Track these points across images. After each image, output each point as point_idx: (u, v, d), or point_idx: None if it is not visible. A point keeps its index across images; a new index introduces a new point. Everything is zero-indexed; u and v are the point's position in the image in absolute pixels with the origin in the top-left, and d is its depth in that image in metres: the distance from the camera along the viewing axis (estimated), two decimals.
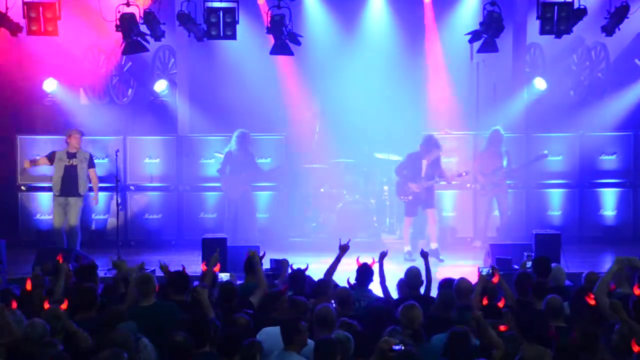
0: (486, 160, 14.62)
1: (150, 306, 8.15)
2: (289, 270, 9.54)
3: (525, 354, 6.65)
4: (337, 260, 9.45)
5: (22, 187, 15.36)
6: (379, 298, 9.03)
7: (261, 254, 9.59)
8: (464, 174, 14.14)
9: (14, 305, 7.84)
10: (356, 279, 9.16)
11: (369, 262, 9.30)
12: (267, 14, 12.93)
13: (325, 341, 6.77)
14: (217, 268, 9.34)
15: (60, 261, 9.17)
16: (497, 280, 8.76)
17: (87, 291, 8.22)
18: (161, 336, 7.33)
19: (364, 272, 9.16)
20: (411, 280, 9.05)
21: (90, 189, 13.93)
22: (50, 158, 13.93)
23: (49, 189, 14.60)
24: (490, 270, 8.87)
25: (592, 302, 8.01)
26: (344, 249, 9.51)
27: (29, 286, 8.82)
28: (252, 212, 15.04)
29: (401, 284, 9.24)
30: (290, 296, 8.36)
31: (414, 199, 14.06)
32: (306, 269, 9.36)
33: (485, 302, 8.23)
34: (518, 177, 15.20)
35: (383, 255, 9.46)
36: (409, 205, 14.15)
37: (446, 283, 8.78)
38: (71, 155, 13.80)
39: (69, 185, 13.75)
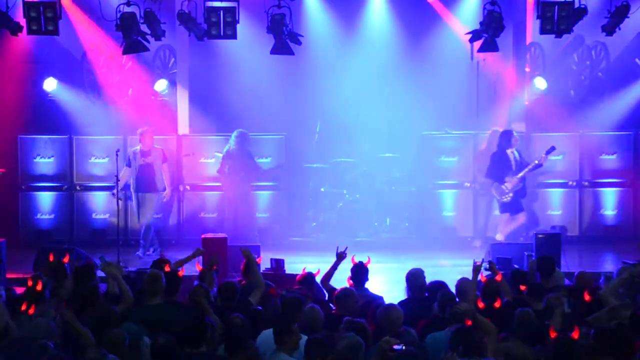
0: (486, 160, 14.60)
1: (156, 305, 8.11)
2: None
3: (511, 352, 6.67)
4: (334, 268, 9.41)
5: (22, 187, 15.37)
6: (375, 297, 9.02)
7: (257, 259, 9.56)
8: (551, 150, 14.12)
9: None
10: (352, 279, 9.16)
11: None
12: (267, 13, 12.93)
13: (316, 340, 6.73)
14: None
15: (67, 260, 9.19)
16: (500, 279, 8.77)
17: (90, 290, 8.21)
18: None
19: (359, 271, 9.16)
20: (411, 282, 9.04)
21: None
22: (129, 164, 14.12)
23: (49, 189, 14.58)
24: (489, 265, 8.87)
25: (588, 298, 8.03)
26: (340, 257, 9.45)
27: (39, 286, 8.73)
28: (251, 212, 15.05)
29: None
30: (284, 295, 8.33)
31: (514, 195, 14.05)
32: (317, 273, 9.32)
33: (480, 303, 8.20)
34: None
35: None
36: (507, 205, 14.11)
37: (436, 285, 8.77)
38: (145, 154, 14.04)
39: (144, 183, 14.08)
